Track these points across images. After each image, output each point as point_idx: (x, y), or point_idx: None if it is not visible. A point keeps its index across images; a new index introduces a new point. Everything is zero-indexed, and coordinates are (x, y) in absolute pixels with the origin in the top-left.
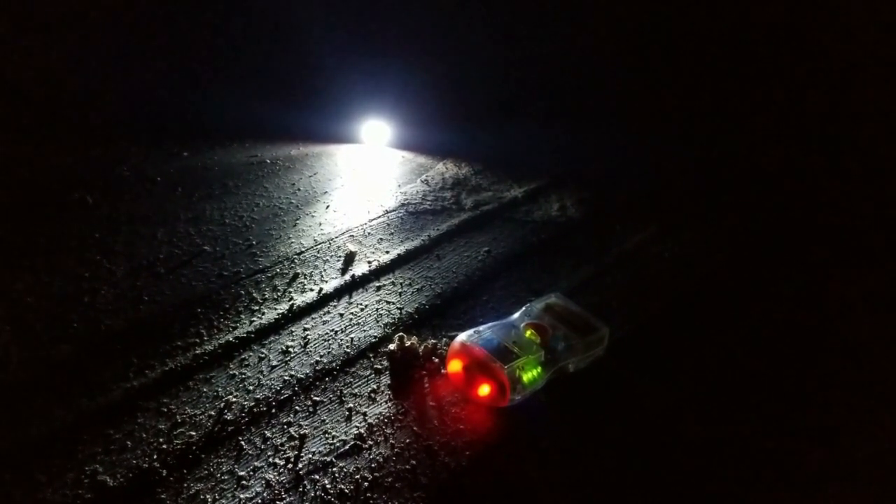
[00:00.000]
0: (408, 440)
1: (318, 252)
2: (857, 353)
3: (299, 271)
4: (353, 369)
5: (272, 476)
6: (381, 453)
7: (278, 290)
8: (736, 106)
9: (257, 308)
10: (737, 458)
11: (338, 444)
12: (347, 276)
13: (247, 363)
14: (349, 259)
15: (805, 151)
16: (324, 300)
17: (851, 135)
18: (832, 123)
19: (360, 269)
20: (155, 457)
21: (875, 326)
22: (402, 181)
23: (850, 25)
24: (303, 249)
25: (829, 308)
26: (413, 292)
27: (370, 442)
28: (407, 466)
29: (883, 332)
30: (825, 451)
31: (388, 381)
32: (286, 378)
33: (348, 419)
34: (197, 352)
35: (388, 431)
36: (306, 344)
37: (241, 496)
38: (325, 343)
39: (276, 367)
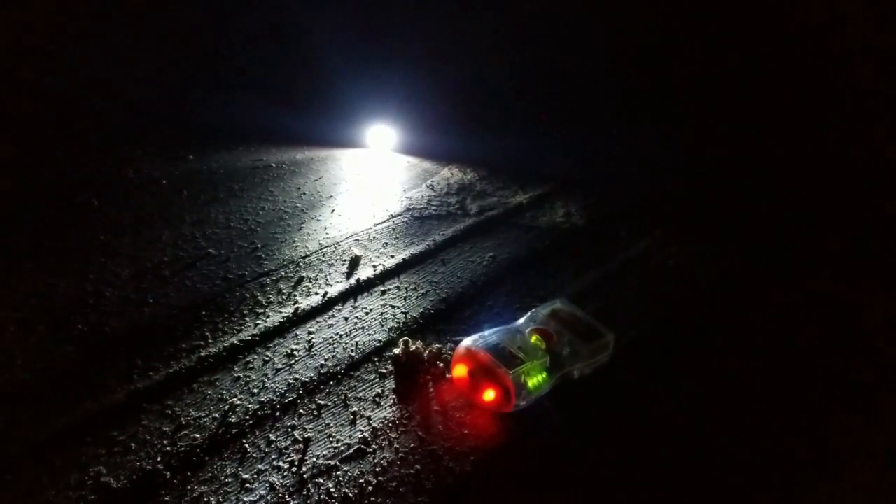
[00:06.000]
0: (412, 445)
1: (324, 256)
2: (864, 358)
3: (304, 275)
4: (357, 373)
5: (276, 479)
6: (385, 457)
7: (283, 294)
8: (742, 112)
9: (262, 311)
10: (741, 463)
11: (342, 448)
12: (352, 281)
13: (251, 366)
14: (354, 263)
15: (811, 157)
16: (329, 304)
17: (858, 139)
18: (838, 127)
19: (365, 273)
20: (158, 459)
21: (880, 330)
22: (407, 186)
23: (852, 25)
24: (308, 253)
25: (834, 313)
26: (418, 297)
27: (374, 446)
28: (411, 471)
29: (888, 335)
30: (832, 456)
31: (393, 386)
32: (291, 381)
33: (353, 423)
34: (201, 354)
35: (393, 436)
36: (311, 347)
37: (245, 499)
38: (330, 347)
39: (280, 370)
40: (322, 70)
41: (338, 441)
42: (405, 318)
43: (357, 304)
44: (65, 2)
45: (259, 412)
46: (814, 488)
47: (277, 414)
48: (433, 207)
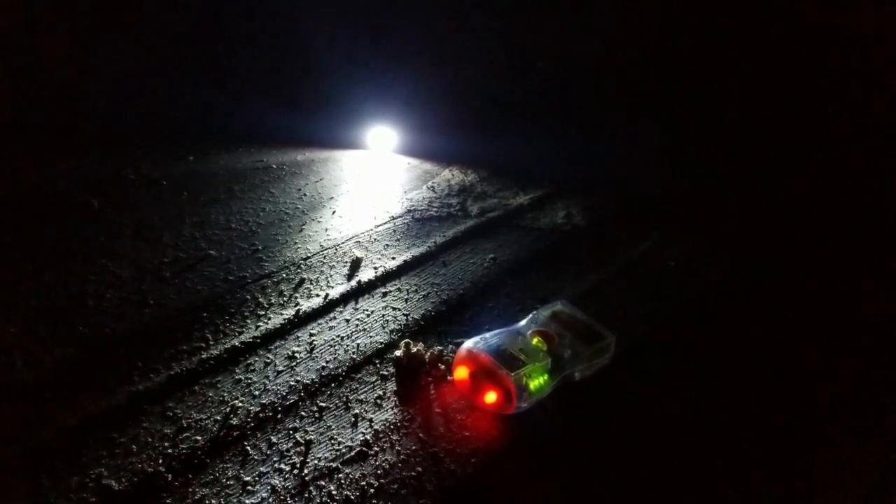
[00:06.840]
0: (413, 447)
1: (325, 257)
2: (864, 358)
3: (305, 277)
4: (359, 375)
5: (278, 482)
6: (386, 460)
7: (284, 296)
8: (742, 113)
9: (263, 313)
10: (742, 463)
11: (343, 451)
12: (353, 282)
13: (253, 368)
14: (355, 265)
15: (812, 157)
16: (330, 306)
17: (859, 138)
18: (839, 127)
19: (366, 274)
20: (160, 461)
21: (880, 330)
22: (408, 187)
23: (855, 24)
24: (309, 255)
25: (834, 315)
26: (419, 299)
27: (376, 448)
28: (412, 473)
29: (888, 335)
30: (831, 458)
31: (394, 388)
32: (292, 383)
33: (354, 425)
34: (202, 356)
35: (394, 438)
36: (312, 349)
37: (247, 502)
38: (332, 349)
39: (281, 372)
40: (323, 71)
41: (339, 443)
42: (406, 319)
43: (358, 306)
44: (65, 2)
45: (260, 414)
46: (815, 488)
47: (279, 416)
48: (434, 209)
